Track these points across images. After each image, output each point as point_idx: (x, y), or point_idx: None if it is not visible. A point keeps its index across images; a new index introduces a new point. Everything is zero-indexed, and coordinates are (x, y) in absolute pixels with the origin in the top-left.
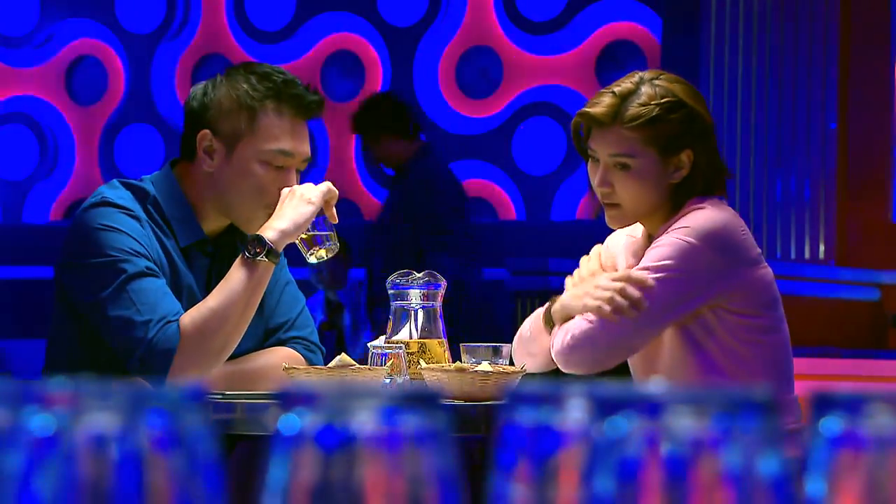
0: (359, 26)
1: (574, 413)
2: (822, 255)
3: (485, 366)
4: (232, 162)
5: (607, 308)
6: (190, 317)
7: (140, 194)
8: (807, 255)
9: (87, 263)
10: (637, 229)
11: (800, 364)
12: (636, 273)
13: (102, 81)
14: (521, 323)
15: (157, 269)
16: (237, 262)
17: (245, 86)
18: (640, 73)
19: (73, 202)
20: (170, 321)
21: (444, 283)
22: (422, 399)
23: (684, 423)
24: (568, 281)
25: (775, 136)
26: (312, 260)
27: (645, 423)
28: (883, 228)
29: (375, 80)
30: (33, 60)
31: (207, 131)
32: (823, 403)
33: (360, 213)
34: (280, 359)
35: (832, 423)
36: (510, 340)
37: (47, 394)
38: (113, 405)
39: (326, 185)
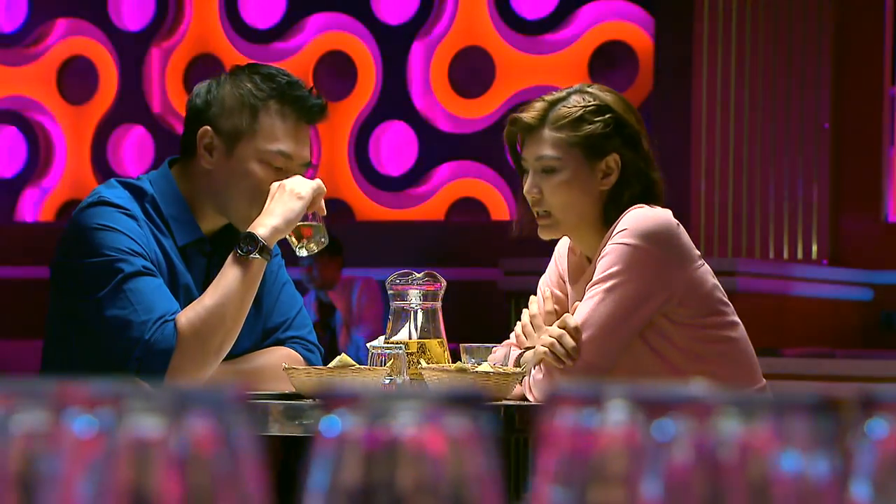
0: (351, 25)
1: (618, 415)
2: (814, 255)
3: (485, 366)
4: (231, 160)
5: (550, 358)
6: (186, 316)
7: (138, 193)
8: (800, 255)
9: (84, 263)
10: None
11: (792, 364)
12: (570, 320)
13: (94, 81)
14: (514, 324)
15: (153, 269)
16: (230, 259)
17: (249, 85)
18: (577, 85)
19: (64, 202)
20: (167, 320)
21: (443, 282)
22: (465, 400)
23: (732, 426)
24: (516, 329)
25: (768, 136)
26: (302, 253)
27: (692, 426)
28: (875, 228)
29: (368, 79)
30: (24, 59)
31: (209, 128)
32: (868, 405)
33: (353, 214)
34: (279, 358)
35: (878, 425)
36: (502, 341)
37: (90, 395)
38: (156, 407)
39: (317, 182)
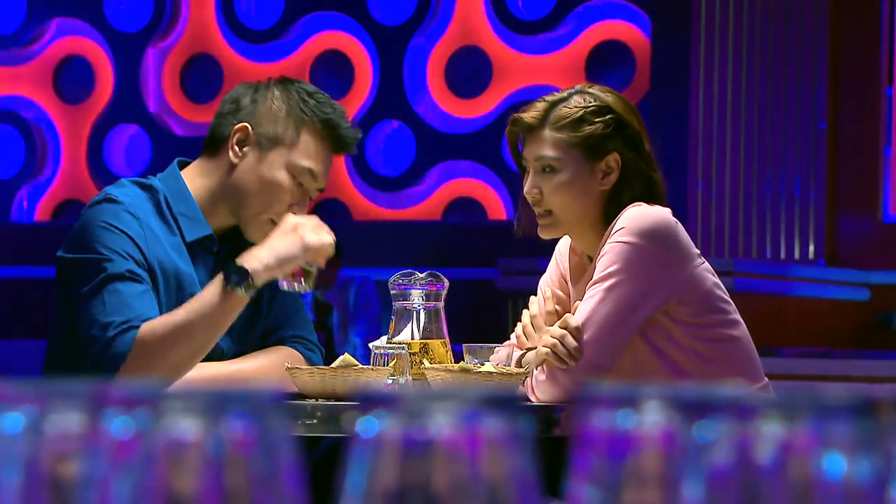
0: (348, 25)
1: (654, 416)
2: (811, 255)
3: (488, 366)
4: (262, 163)
5: (552, 358)
6: (151, 326)
7: (148, 190)
8: (796, 255)
9: (76, 258)
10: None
11: (789, 364)
12: (572, 321)
13: (90, 81)
14: (512, 323)
15: (141, 274)
16: (215, 282)
17: (298, 98)
18: (578, 86)
19: (60, 202)
20: (132, 326)
21: (446, 282)
22: (502, 401)
23: (773, 428)
24: (516, 330)
25: (765, 136)
26: (284, 287)
27: (733, 428)
28: (872, 229)
29: (364, 79)
30: (20, 59)
31: (247, 126)
32: None
33: (350, 214)
34: (281, 358)
35: None
36: (500, 341)
37: (127, 396)
38: (194, 408)
39: (329, 241)
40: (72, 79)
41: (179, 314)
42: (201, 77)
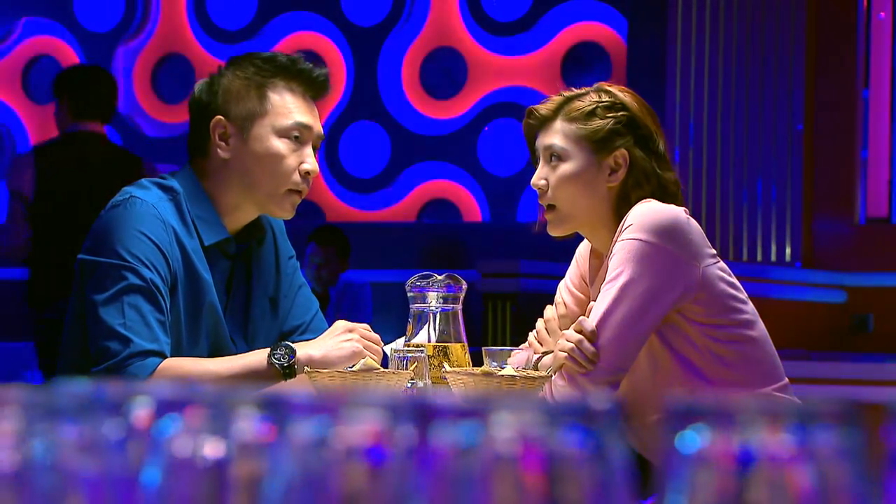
0: (322, 26)
1: None
2: (788, 257)
3: (509, 370)
4: (249, 142)
5: (570, 363)
6: (179, 363)
7: (170, 192)
8: (773, 257)
9: (97, 261)
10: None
11: None
12: (587, 324)
13: None
14: (493, 326)
15: (162, 290)
16: (259, 354)
17: (252, 68)
18: (597, 84)
19: None
20: (154, 353)
21: (464, 285)
22: (836, 415)
23: None
24: (531, 335)
25: (742, 138)
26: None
27: None
28: (849, 231)
29: (339, 79)
30: None
31: (220, 117)
32: None
33: (324, 215)
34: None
35: None
36: (481, 344)
37: (455, 408)
38: (526, 421)
39: (373, 362)
40: (41, 78)
41: (211, 364)
42: (173, 77)
